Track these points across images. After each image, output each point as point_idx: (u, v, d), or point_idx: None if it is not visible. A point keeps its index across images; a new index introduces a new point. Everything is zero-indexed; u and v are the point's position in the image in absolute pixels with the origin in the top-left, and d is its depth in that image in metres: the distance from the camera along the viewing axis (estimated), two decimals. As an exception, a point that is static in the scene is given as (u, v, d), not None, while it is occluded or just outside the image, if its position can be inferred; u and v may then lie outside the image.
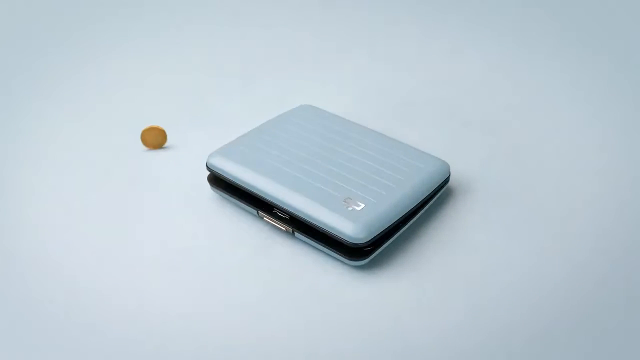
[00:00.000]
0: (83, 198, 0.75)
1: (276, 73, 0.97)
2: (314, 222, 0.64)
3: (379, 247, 0.65)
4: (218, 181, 0.73)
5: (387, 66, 0.98)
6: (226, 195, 0.72)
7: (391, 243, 0.67)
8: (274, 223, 0.68)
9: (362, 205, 0.64)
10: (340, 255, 0.64)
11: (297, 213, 0.65)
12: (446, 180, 0.71)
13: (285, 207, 0.66)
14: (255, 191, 0.68)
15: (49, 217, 0.72)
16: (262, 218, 0.69)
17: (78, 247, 0.68)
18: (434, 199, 0.71)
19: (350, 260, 0.64)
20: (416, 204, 0.67)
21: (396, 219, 0.65)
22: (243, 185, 0.69)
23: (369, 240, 0.62)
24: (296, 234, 0.67)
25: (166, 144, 0.83)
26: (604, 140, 0.82)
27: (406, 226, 0.67)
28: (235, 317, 0.61)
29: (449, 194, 0.74)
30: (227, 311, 0.61)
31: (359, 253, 0.64)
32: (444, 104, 0.89)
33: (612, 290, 0.62)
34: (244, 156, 0.71)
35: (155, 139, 0.81)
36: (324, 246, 0.65)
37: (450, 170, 0.73)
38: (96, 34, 1.07)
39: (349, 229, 0.62)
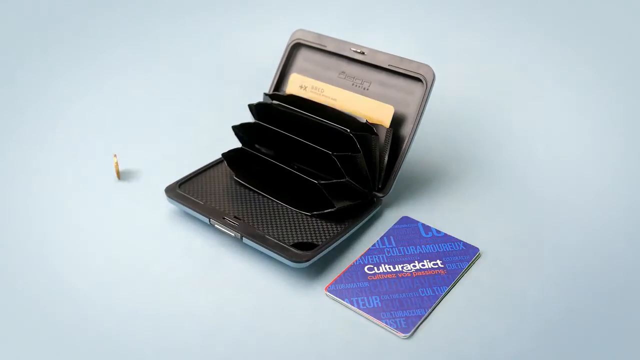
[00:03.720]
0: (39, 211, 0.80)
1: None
2: None
3: (319, 253, 0.71)
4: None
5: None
6: (181, 205, 0.78)
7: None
8: (224, 229, 0.74)
9: None
10: (284, 257, 0.70)
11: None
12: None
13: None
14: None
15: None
16: (214, 225, 0.75)
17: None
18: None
19: (293, 263, 0.70)
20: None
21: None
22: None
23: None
24: (244, 239, 0.73)
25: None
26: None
27: (347, 234, 0.74)
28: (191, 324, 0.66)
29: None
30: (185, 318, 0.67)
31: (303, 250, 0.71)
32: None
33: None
34: None
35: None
36: (268, 249, 0.71)
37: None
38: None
39: None
